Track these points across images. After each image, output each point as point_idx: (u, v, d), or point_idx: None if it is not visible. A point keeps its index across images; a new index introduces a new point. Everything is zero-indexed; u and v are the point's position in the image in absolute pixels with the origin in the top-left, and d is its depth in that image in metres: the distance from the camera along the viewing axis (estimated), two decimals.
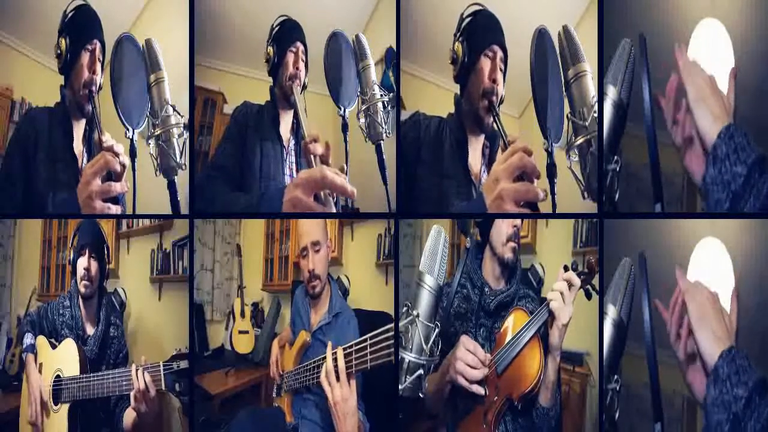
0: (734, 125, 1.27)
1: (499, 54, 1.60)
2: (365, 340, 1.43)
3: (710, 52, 1.54)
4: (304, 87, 1.79)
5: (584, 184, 1.43)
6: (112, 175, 1.52)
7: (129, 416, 1.71)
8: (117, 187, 1.51)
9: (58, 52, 1.65)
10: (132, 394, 1.61)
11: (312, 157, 1.59)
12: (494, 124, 1.57)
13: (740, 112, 1.37)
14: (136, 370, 1.60)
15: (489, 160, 1.70)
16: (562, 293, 1.46)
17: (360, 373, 1.52)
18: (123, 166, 1.53)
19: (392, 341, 1.38)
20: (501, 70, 1.60)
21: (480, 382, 1.47)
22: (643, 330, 1.36)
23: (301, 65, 1.78)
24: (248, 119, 1.78)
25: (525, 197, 1.33)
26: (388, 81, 1.81)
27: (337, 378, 1.47)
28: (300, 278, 1.89)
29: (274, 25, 1.78)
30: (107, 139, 1.54)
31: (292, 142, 1.83)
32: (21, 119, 1.75)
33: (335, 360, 1.48)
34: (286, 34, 1.78)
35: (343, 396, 1.45)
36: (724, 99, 1.34)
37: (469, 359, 1.47)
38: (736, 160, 1.24)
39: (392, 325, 1.39)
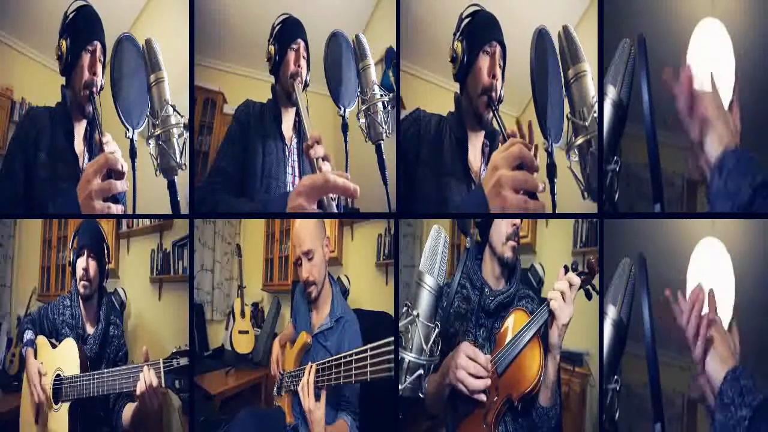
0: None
1: (498, 50, 1.60)
2: (366, 351, 1.43)
3: (710, 53, 1.54)
4: (305, 85, 1.79)
5: (584, 184, 1.43)
6: (112, 175, 1.52)
7: (128, 411, 1.72)
8: (117, 185, 1.50)
9: (59, 53, 1.64)
10: (138, 391, 1.60)
11: (315, 161, 1.59)
12: (493, 121, 1.57)
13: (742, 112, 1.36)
14: (144, 367, 1.61)
15: (488, 158, 1.70)
16: (563, 293, 1.46)
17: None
18: (124, 169, 1.53)
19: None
20: (500, 66, 1.61)
21: (482, 390, 1.46)
22: (643, 330, 1.36)
23: (303, 63, 1.78)
24: (250, 117, 1.78)
25: (523, 185, 1.32)
26: (388, 81, 1.81)
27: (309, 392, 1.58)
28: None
29: (275, 24, 1.78)
30: (108, 140, 1.54)
31: (295, 140, 1.83)
32: (22, 117, 1.75)
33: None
34: (287, 32, 1.77)
35: (309, 408, 1.59)
36: (730, 121, 1.31)
37: (471, 368, 1.44)
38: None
39: (393, 339, 1.39)
